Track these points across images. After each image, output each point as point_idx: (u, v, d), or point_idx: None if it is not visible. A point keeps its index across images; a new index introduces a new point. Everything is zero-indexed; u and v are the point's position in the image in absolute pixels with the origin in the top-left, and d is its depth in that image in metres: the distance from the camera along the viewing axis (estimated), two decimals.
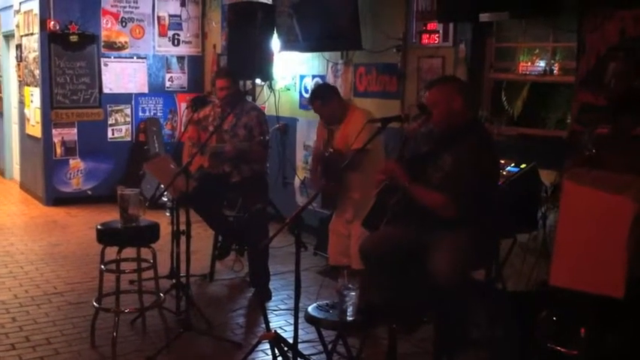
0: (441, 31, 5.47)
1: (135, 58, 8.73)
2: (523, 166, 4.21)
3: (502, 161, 4.14)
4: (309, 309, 3.62)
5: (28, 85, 8.85)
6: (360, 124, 4.35)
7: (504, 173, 4.17)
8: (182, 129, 8.70)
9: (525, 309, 3.59)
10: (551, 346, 3.03)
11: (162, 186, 4.64)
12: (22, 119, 9.25)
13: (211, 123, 5.37)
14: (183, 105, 8.93)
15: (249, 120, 5.28)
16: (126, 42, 8.64)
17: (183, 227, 4.51)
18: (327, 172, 4.84)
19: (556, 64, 4.89)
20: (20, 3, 8.90)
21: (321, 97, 4.93)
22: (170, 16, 8.88)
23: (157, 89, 8.91)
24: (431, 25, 5.55)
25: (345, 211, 4.86)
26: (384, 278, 3.78)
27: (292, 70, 7.32)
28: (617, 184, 2.90)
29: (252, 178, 5.31)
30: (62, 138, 8.43)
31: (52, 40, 8.17)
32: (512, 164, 4.24)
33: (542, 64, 4.98)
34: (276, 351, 3.65)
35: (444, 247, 3.47)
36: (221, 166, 5.29)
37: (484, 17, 4.67)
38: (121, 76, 8.65)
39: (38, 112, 8.45)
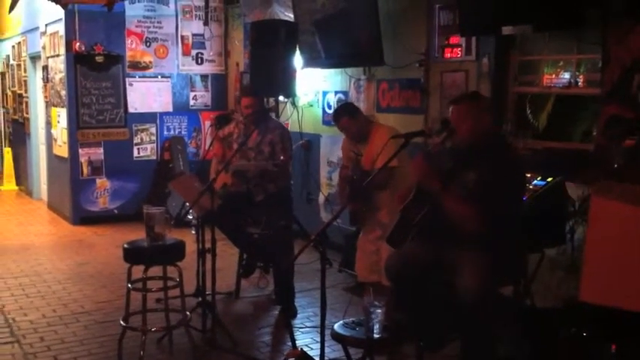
0: (463, 45, 5.44)
1: (159, 77, 8.81)
2: (550, 179, 4.16)
3: (529, 175, 4.10)
4: (336, 326, 3.61)
5: (55, 105, 8.97)
6: (384, 141, 4.32)
7: (531, 187, 4.12)
8: (206, 147, 8.75)
9: (554, 325, 3.54)
10: None
11: (187, 204, 4.66)
12: (49, 140, 9.37)
13: (235, 140, 5.39)
14: (208, 123, 8.98)
15: (274, 137, 5.31)
16: (150, 62, 8.73)
17: (208, 245, 4.52)
18: (354, 193, 4.81)
19: (581, 77, 4.85)
20: (46, 25, 9.05)
21: (349, 113, 4.91)
22: (193, 35, 8.96)
23: (181, 108, 8.98)
24: (453, 39, 5.53)
25: (373, 229, 4.83)
26: (410, 296, 3.75)
27: (315, 87, 7.35)
28: None
29: (277, 195, 5.32)
30: (89, 157, 8.52)
31: (77, 61, 8.29)
32: (539, 178, 4.20)
33: (566, 76, 4.94)
34: None
35: (471, 265, 3.44)
36: (244, 185, 5.30)
37: (507, 30, 4.65)
38: (146, 95, 8.74)
39: (65, 133, 8.55)
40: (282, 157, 5.21)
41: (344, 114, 4.92)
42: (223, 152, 5.44)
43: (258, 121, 5.23)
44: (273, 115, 7.48)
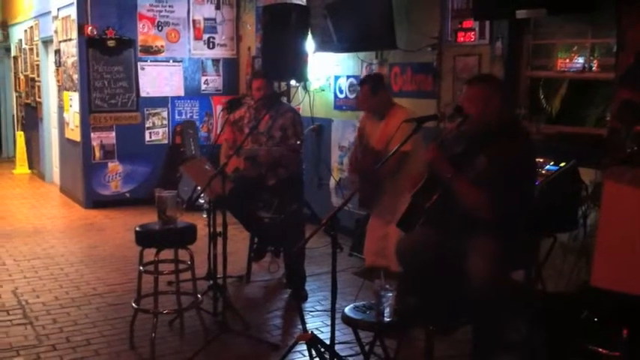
0: (476, 29, 5.41)
1: (171, 61, 8.81)
2: (562, 164, 4.13)
3: (541, 160, 4.07)
4: (346, 310, 3.61)
5: (67, 89, 8.99)
6: (399, 123, 4.27)
7: (543, 172, 4.10)
8: (218, 131, 8.75)
9: (566, 310, 3.54)
10: (593, 348, 2.98)
11: (198, 188, 4.67)
12: (62, 123, 9.40)
13: (246, 124, 5.38)
14: (219, 107, 8.99)
15: (285, 122, 5.29)
16: (162, 46, 8.73)
17: (219, 229, 4.53)
18: (364, 171, 4.78)
19: (595, 61, 4.80)
20: (58, 9, 9.06)
21: (372, 83, 4.85)
22: (205, 19, 8.94)
23: (192, 92, 8.99)
24: (466, 23, 5.49)
25: (383, 213, 4.81)
26: (421, 280, 3.74)
27: (327, 71, 7.32)
28: None
29: (289, 180, 5.31)
30: (101, 141, 8.55)
31: (89, 45, 8.30)
32: (552, 163, 4.17)
33: (580, 60, 4.90)
34: (313, 352, 3.65)
35: (482, 251, 3.42)
36: (257, 169, 5.29)
37: (521, 14, 4.60)
38: (158, 79, 8.74)
39: (77, 117, 8.58)
40: (297, 142, 5.20)
41: (367, 82, 4.87)
42: (234, 137, 5.43)
43: (269, 105, 5.22)
44: (284, 99, 7.47)
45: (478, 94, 3.63)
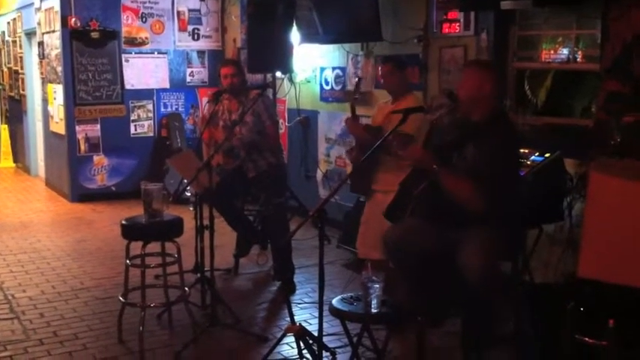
0: (462, 20, 5.41)
1: (156, 53, 8.76)
2: (548, 155, 4.15)
3: (527, 150, 4.09)
4: (334, 302, 3.61)
5: (51, 82, 8.92)
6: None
7: (529, 163, 4.12)
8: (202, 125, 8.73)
9: (553, 301, 3.56)
10: (580, 338, 3.00)
11: (185, 181, 4.65)
12: (46, 116, 9.33)
13: (221, 117, 5.35)
14: (205, 99, 8.94)
15: (256, 107, 5.22)
16: (146, 37, 8.67)
17: (206, 222, 4.52)
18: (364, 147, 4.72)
19: (579, 52, 4.83)
20: (41, 1, 8.97)
21: (396, 63, 4.81)
22: (190, 10, 8.89)
23: (178, 84, 8.94)
24: (452, 14, 5.50)
25: (379, 201, 4.76)
26: (409, 272, 3.75)
27: (312, 63, 7.31)
28: None
29: (269, 171, 5.28)
30: (86, 134, 8.49)
31: (73, 37, 8.23)
32: (537, 153, 4.19)
33: (565, 51, 4.92)
34: (302, 344, 3.66)
35: (473, 241, 3.43)
36: (237, 159, 5.27)
37: (506, 5, 4.62)
38: (143, 71, 8.69)
39: (62, 109, 8.52)
40: (269, 123, 5.22)
41: (391, 61, 4.84)
42: (210, 135, 5.38)
43: (239, 92, 5.22)
44: (270, 91, 7.44)
45: (472, 77, 3.65)
